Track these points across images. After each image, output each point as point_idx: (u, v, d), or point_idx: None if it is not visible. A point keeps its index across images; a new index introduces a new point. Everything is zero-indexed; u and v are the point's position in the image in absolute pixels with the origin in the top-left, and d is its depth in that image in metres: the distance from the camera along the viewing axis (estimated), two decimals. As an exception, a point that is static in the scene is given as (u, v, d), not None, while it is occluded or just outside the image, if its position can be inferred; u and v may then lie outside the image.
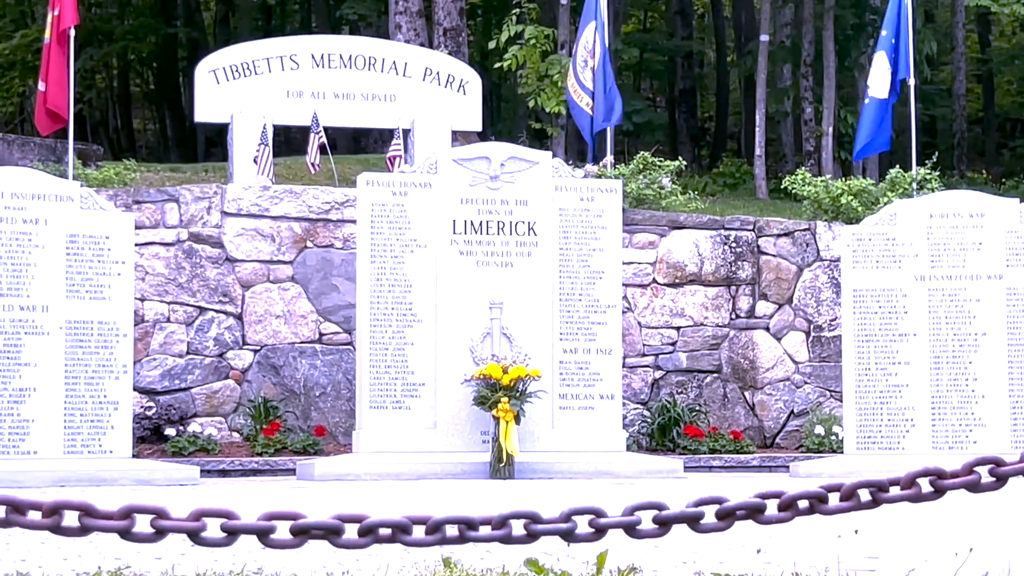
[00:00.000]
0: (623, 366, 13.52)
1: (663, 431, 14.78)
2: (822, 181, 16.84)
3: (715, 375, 15.48)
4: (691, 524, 3.35)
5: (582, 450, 12.23)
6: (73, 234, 11.26)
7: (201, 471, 11.82)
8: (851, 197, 16.19)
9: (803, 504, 3.42)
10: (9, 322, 10.99)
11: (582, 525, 3.28)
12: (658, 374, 15.36)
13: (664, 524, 3.29)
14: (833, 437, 14.52)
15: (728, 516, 3.38)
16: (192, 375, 14.35)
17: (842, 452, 13.08)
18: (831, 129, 25.57)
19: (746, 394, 15.53)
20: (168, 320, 14.35)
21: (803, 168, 19.79)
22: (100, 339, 11.25)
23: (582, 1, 18.80)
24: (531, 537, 3.23)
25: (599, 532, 3.26)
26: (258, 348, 14.51)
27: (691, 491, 9.93)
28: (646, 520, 3.33)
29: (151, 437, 13.83)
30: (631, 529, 3.27)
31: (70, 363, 11.13)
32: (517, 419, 11.74)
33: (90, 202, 11.45)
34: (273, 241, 14.64)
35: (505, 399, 11.70)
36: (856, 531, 5.57)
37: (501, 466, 11.66)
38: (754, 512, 3.37)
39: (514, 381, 11.81)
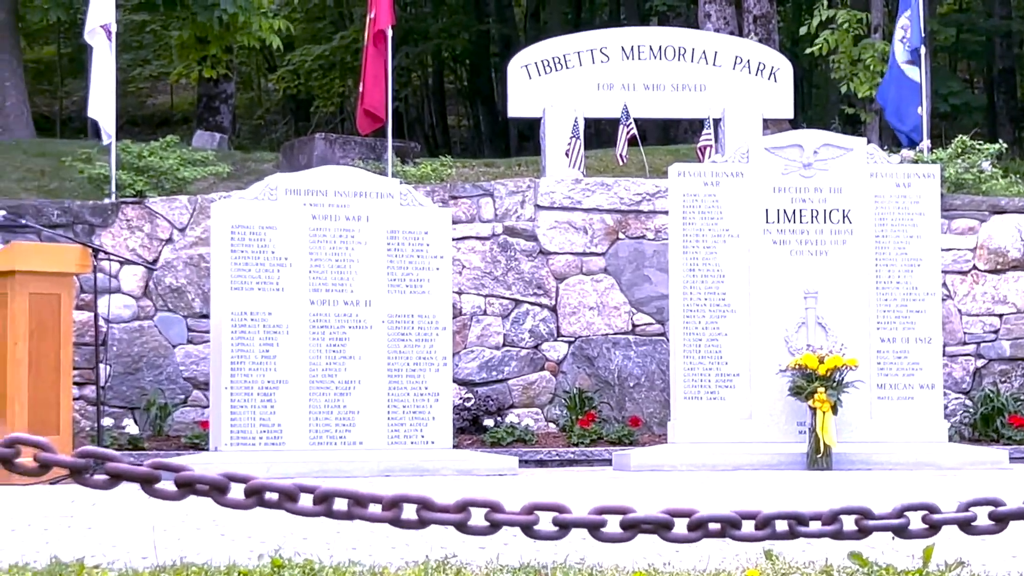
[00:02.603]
0: (943, 355, 13.20)
1: (986, 421, 14.39)
2: None
3: (1041, 364, 14.98)
4: (1028, 520, 3.26)
5: (901, 441, 11.98)
6: (393, 230, 11.55)
7: (519, 461, 11.99)
8: None
9: None
10: (335, 317, 11.34)
11: (914, 521, 3.23)
12: (980, 363, 14.95)
13: (1001, 520, 3.21)
14: None
15: (1067, 512, 3.28)
16: (508, 367, 14.58)
17: None
18: None
19: (1074, 383, 14.99)
20: (485, 313, 14.61)
21: None
22: (420, 332, 11.52)
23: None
24: (862, 533, 3.20)
25: (932, 528, 3.21)
26: (572, 340, 14.66)
27: (1018, 483, 9.65)
28: (981, 516, 3.25)
29: (470, 428, 14.10)
30: (966, 525, 3.20)
31: (392, 356, 11.43)
32: (834, 409, 11.59)
33: (409, 198, 11.72)
34: (585, 233, 14.76)
35: (822, 389, 11.55)
36: None
37: (818, 457, 11.52)
38: (1094, 509, 3.27)
39: (830, 371, 11.66)
